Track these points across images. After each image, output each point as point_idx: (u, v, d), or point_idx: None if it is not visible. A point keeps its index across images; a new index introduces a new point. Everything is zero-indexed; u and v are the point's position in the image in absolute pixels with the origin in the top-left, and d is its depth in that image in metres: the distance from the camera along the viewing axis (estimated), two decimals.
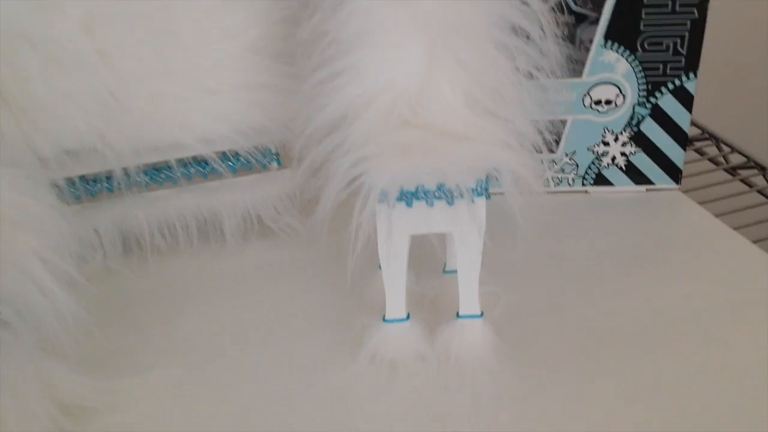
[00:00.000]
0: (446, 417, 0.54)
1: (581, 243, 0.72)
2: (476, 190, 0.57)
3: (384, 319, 0.59)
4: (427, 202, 0.58)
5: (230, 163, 0.77)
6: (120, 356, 0.60)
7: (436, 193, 0.58)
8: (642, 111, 0.81)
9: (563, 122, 0.80)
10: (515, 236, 0.70)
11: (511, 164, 0.56)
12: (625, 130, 0.80)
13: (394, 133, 0.58)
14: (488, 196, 0.58)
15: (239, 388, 0.57)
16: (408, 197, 0.58)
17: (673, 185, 0.81)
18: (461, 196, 0.56)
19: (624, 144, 0.80)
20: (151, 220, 0.73)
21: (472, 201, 0.58)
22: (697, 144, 0.92)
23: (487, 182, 0.58)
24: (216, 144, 0.74)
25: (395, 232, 0.57)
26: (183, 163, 0.75)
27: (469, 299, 0.59)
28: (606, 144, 0.81)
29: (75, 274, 0.57)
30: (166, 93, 0.71)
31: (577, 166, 0.82)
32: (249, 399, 0.56)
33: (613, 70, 0.79)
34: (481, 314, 0.59)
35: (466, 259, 0.58)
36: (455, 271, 0.59)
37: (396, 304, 0.59)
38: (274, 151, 0.78)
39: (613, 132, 0.80)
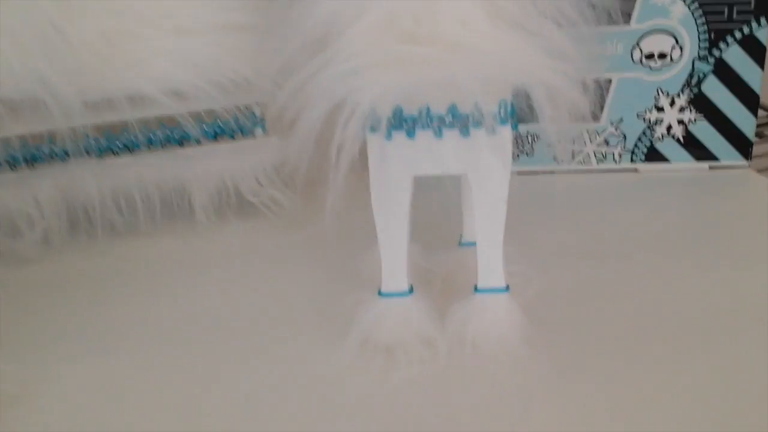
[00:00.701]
0: (458, 419, 0.43)
1: (629, 224, 0.63)
2: (500, 114, 0.45)
3: (380, 293, 0.48)
4: (434, 131, 0.45)
5: (205, 127, 0.65)
6: (50, 343, 0.51)
7: (447, 119, 0.45)
8: (703, 67, 0.68)
9: (607, 82, 0.69)
10: (551, 211, 0.64)
11: (545, 76, 0.43)
12: (683, 92, 0.69)
13: (393, 48, 0.45)
14: (515, 126, 0.45)
15: (196, 381, 0.47)
16: (408, 124, 0.45)
17: (742, 161, 0.68)
18: (480, 122, 0.44)
19: (682, 109, 0.69)
20: (105, 190, 0.62)
21: (494, 130, 0.44)
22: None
23: (513, 107, 0.45)
24: (187, 100, 0.62)
25: (393, 172, 0.45)
26: (146, 125, 0.64)
27: (490, 267, 0.47)
28: (660, 110, 0.70)
29: None
30: (124, 30, 0.60)
31: (625, 138, 0.71)
32: (206, 394, 0.45)
33: (668, 14, 0.66)
34: (507, 288, 0.48)
35: (487, 212, 0.47)
36: (473, 243, 0.48)
37: (394, 272, 0.48)
38: (259, 114, 0.66)
39: (668, 94, 0.69)
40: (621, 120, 0.70)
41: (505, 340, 0.47)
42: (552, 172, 0.71)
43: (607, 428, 0.41)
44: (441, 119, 0.45)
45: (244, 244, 0.63)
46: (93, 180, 0.62)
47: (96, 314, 0.54)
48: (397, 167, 0.45)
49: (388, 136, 0.44)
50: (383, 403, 0.44)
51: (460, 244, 0.55)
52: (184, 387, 0.46)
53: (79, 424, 0.43)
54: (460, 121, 0.45)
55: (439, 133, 0.44)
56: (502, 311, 0.48)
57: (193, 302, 0.55)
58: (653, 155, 0.71)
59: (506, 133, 0.45)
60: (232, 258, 0.61)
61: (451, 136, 0.44)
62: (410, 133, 0.44)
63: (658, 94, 0.69)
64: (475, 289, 0.48)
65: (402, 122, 0.45)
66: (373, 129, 0.45)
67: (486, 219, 0.47)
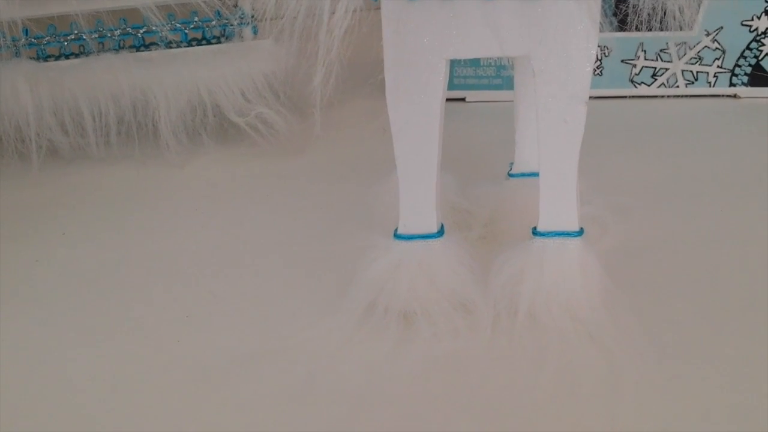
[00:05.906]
0: (505, 420, 0.32)
1: (726, 162, 0.54)
2: None
3: (395, 235, 0.38)
4: None
5: (177, 24, 0.57)
6: None
7: None
8: None
9: None
10: (628, 143, 0.56)
11: None
12: None
13: None
14: None
15: (153, 348, 0.38)
16: None
17: None
18: None
19: None
20: (43, 102, 0.55)
21: None
22: None
23: None
24: None
25: (417, 51, 0.34)
26: (99, 19, 0.56)
27: (558, 202, 0.37)
28: None
29: None
30: None
31: (724, 53, 0.62)
32: (163, 365, 0.37)
33: None
34: (581, 231, 0.37)
35: (558, 119, 0.35)
36: (529, 174, 0.43)
37: (418, 204, 0.37)
38: (248, 10, 0.58)
39: None
40: (720, 29, 0.62)
41: (577, 306, 0.36)
42: (627, 97, 0.64)
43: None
44: None
45: (222, 176, 0.55)
46: (27, 87, 0.54)
47: (29, 260, 0.45)
48: (424, 43, 0.34)
49: None
50: (395, 394, 0.33)
51: (510, 175, 0.46)
52: (137, 359, 0.37)
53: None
54: None
55: None
56: (572, 264, 0.37)
57: (154, 247, 0.47)
58: (759, 77, 0.63)
59: None
60: (207, 193, 0.53)
61: None
62: None
63: None
64: (534, 231, 0.37)
65: None
66: None
67: (555, 131, 0.36)
